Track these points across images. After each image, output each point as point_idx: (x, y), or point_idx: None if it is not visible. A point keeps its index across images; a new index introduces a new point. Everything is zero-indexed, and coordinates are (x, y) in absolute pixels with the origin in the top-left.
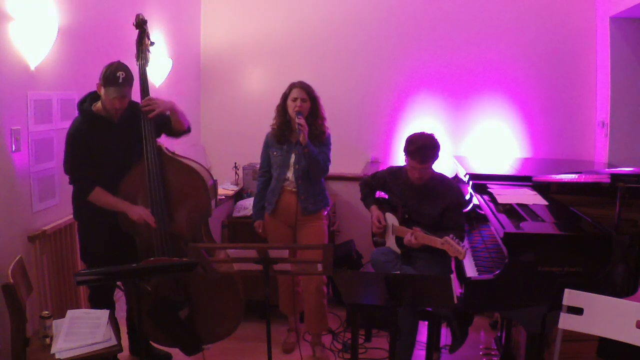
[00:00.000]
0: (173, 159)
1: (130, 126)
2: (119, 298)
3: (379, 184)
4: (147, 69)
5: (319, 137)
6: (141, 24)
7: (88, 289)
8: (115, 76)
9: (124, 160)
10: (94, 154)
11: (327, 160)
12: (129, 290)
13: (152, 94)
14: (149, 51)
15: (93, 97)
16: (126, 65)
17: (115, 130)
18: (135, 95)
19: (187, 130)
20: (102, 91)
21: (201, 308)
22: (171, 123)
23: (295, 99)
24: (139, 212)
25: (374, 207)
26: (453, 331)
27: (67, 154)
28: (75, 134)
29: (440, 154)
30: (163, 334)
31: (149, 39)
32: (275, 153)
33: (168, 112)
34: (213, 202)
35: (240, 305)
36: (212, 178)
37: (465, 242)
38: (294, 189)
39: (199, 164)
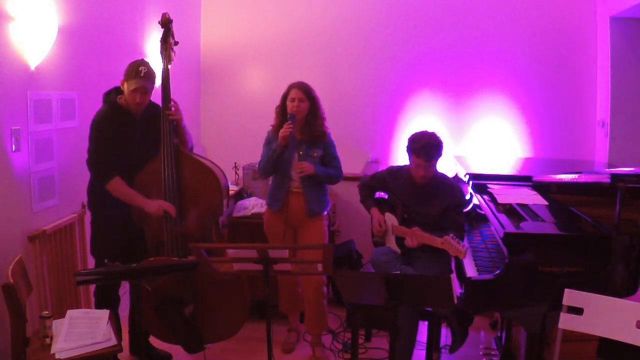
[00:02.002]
0: (189, 156)
1: (150, 126)
2: (124, 294)
3: (379, 185)
4: (170, 67)
5: (321, 138)
6: (166, 23)
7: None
8: (137, 70)
9: (141, 157)
10: (117, 143)
11: (340, 168)
12: (131, 289)
13: (152, 94)
14: (172, 50)
15: (118, 90)
16: (149, 63)
17: (136, 125)
18: (157, 95)
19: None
20: (125, 86)
21: (206, 306)
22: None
23: (293, 100)
24: (156, 205)
25: (374, 210)
26: (453, 331)
27: (91, 141)
28: (100, 121)
29: (443, 151)
30: (166, 330)
31: (173, 38)
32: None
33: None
34: (225, 202)
35: (246, 308)
36: (225, 177)
37: (465, 242)
38: (297, 189)
39: (213, 163)
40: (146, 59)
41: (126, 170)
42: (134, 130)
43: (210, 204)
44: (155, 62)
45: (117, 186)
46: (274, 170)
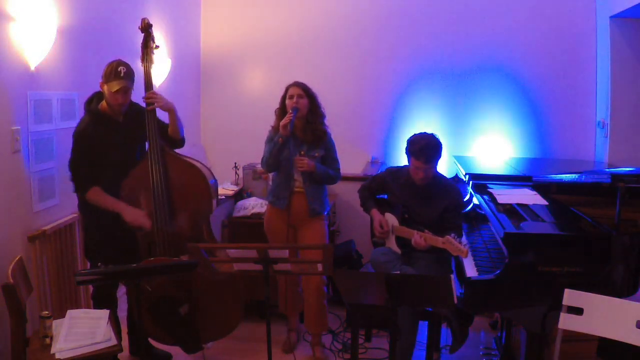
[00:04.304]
0: (176, 157)
1: (134, 126)
2: (122, 296)
3: (379, 186)
4: (152, 71)
5: (322, 138)
6: (147, 28)
7: (91, 287)
8: (117, 71)
9: (126, 159)
10: (99, 152)
11: (338, 169)
12: (129, 290)
13: (138, 97)
14: (153, 54)
15: (99, 96)
16: (126, 62)
17: (119, 129)
18: (140, 97)
19: (181, 141)
20: (105, 88)
21: (202, 305)
22: (168, 130)
23: (292, 97)
24: (134, 214)
25: (374, 211)
26: (453, 331)
27: (73, 152)
28: (82, 134)
29: (442, 153)
30: (163, 332)
31: (153, 42)
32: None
33: (167, 115)
34: (214, 201)
35: (241, 305)
36: (213, 177)
37: (465, 241)
38: (299, 189)
39: (201, 162)
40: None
41: (111, 175)
42: (116, 134)
43: (199, 204)
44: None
45: (95, 196)
46: (277, 165)
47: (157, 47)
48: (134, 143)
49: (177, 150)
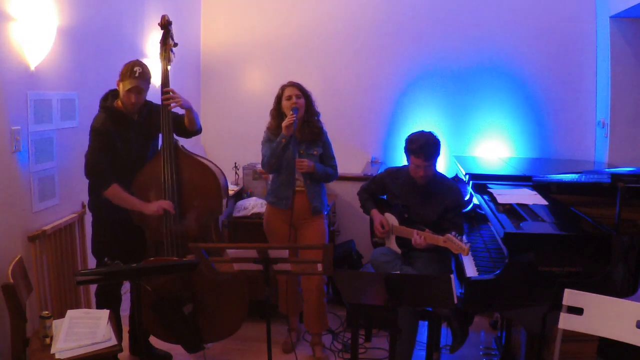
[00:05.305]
0: (189, 156)
1: (148, 125)
2: (125, 293)
3: (379, 187)
4: (169, 68)
5: (319, 136)
6: (166, 25)
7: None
8: (132, 70)
9: (139, 157)
10: (115, 148)
11: (336, 166)
12: (132, 288)
13: (152, 94)
14: (172, 51)
15: (114, 94)
16: (144, 63)
17: (134, 126)
18: (156, 96)
19: (198, 131)
20: (120, 86)
21: (205, 305)
22: (184, 122)
23: (289, 97)
24: (155, 206)
25: (374, 211)
26: (453, 331)
27: (91, 147)
28: (100, 128)
29: (440, 150)
30: (165, 330)
31: (172, 39)
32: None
33: (183, 110)
34: (225, 202)
35: (245, 306)
36: (225, 177)
37: (466, 240)
38: (300, 188)
39: (212, 162)
40: (145, 60)
41: (125, 172)
42: (131, 131)
43: (209, 204)
44: (155, 63)
45: (115, 193)
46: (279, 166)
47: (175, 44)
48: (147, 141)
49: (190, 150)
